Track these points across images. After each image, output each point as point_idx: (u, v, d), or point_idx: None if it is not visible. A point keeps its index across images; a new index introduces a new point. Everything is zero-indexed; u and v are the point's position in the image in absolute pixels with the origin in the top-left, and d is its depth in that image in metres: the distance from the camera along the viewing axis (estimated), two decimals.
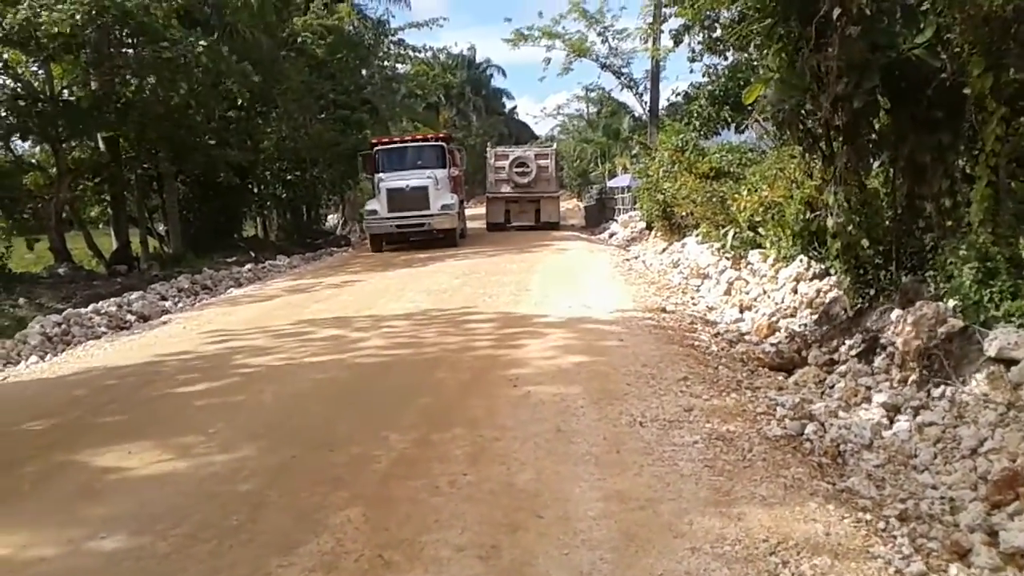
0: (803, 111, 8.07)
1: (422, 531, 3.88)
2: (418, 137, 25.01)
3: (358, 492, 4.42)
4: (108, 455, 5.39)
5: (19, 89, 17.81)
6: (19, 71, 18.31)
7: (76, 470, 5.21)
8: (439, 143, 23.37)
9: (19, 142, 20.28)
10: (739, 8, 9.30)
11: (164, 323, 11.88)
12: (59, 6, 14.79)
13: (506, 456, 4.88)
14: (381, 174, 22.00)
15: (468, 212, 28.59)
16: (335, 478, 4.66)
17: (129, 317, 12.63)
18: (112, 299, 13.49)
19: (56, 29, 14.96)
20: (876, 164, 8.60)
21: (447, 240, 21.42)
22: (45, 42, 15.97)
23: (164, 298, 14.60)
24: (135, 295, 13.96)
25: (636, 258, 17.83)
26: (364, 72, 31.39)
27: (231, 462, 5.09)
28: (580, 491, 4.29)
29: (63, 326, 11.43)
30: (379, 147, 23.11)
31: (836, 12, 6.99)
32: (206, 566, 3.67)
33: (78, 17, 15.21)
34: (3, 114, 17.86)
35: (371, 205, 22.16)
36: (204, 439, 5.59)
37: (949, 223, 7.05)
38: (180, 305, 14.09)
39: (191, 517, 4.22)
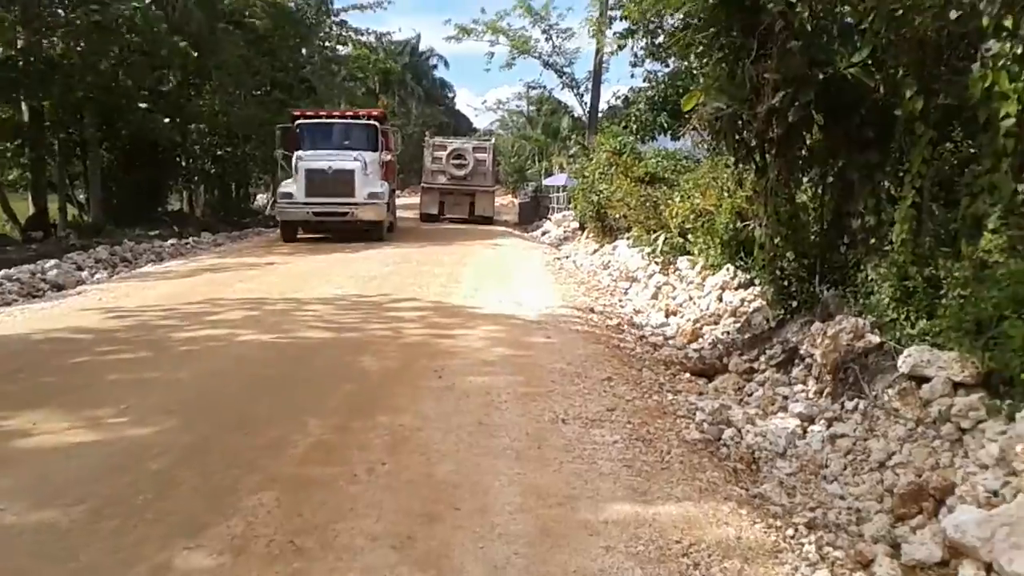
0: (739, 121, 8.19)
1: (336, 518, 3.81)
2: (348, 113, 22.01)
3: (273, 476, 4.33)
4: (13, 424, 5.16)
5: None
6: None
7: None
8: (372, 122, 20.64)
9: None
10: (683, 15, 9.39)
11: (79, 294, 11.47)
12: None
13: (426, 447, 4.83)
14: (301, 152, 19.16)
15: (400, 202, 27.90)
16: (250, 461, 4.55)
17: (43, 285, 12.17)
18: (25, 266, 12.98)
19: None
20: (806, 180, 8.79)
21: (373, 233, 18.83)
22: None
23: (80, 268, 14.08)
24: (50, 263, 13.42)
25: (567, 257, 17.94)
26: (304, 51, 30.85)
27: (142, 438, 4.92)
28: (499, 485, 4.28)
29: None
30: (302, 121, 20.45)
31: (779, 25, 7.13)
32: (109, 544, 3.54)
33: None
34: None
35: (285, 187, 19.03)
36: (115, 413, 5.40)
37: (872, 241, 7.24)
38: (97, 276, 13.61)
39: (97, 493, 4.07)
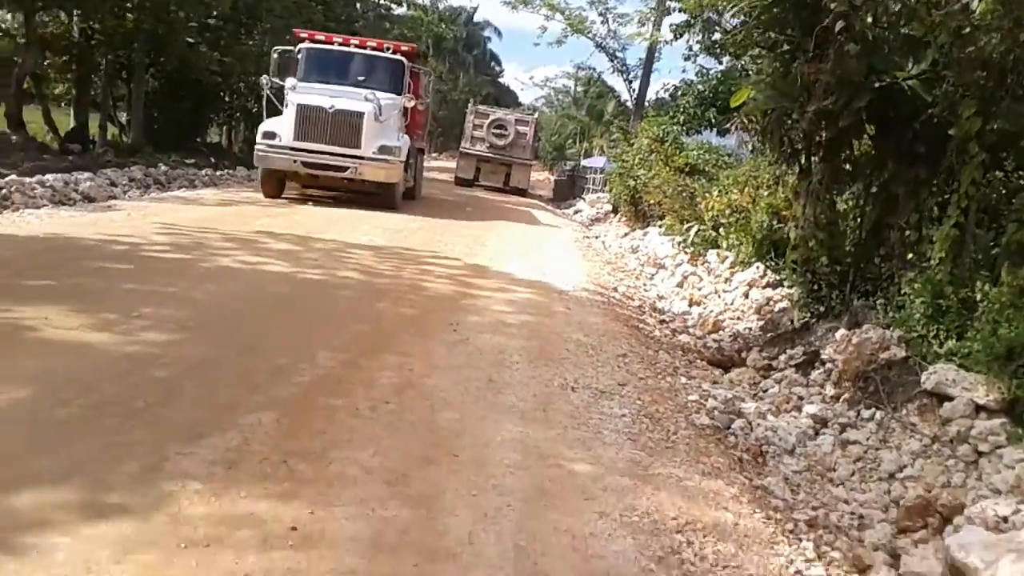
0: (787, 120, 8.03)
1: (333, 447, 3.76)
2: (368, 43, 16.69)
3: (275, 399, 4.28)
4: (25, 318, 5.14)
5: None
6: None
7: None
8: (398, 57, 16.06)
9: None
10: (743, 12, 9.19)
11: (109, 207, 11.49)
12: None
13: (432, 394, 4.77)
14: (295, 81, 14.94)
15: (433, 165, 27.12)
16: (254, 382, 4.50)
17: (74, 195, 12.19)
18: (60, 174, 13.01)
19: None
20: (848, 192, 8.63)
21: (383, 199, 15.03)
22: None
23: (114, 184, 14.10)
24: (85, 175, 13.43)
25: (597, 238, 17.80)
26: (358, 6, 30.72)
27: (150, 346, 4.89)
28: (500, 440, 4.20)
29: (3, 191, 10.97)
30: (307, 44, 16.10)
31: (839, 26, 6.93)
32: (102, 440, 3.50)
33: None
34: None
35: (269, 126, 14.48)
36: (127, 320, 5.36)
37: (910, 256, 7.09)
38: (129, 194, 13.63)
39: (98, 390, 4.03)
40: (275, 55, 16.07)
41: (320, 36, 16.68)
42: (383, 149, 14.45)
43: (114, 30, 19.20)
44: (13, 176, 11.94)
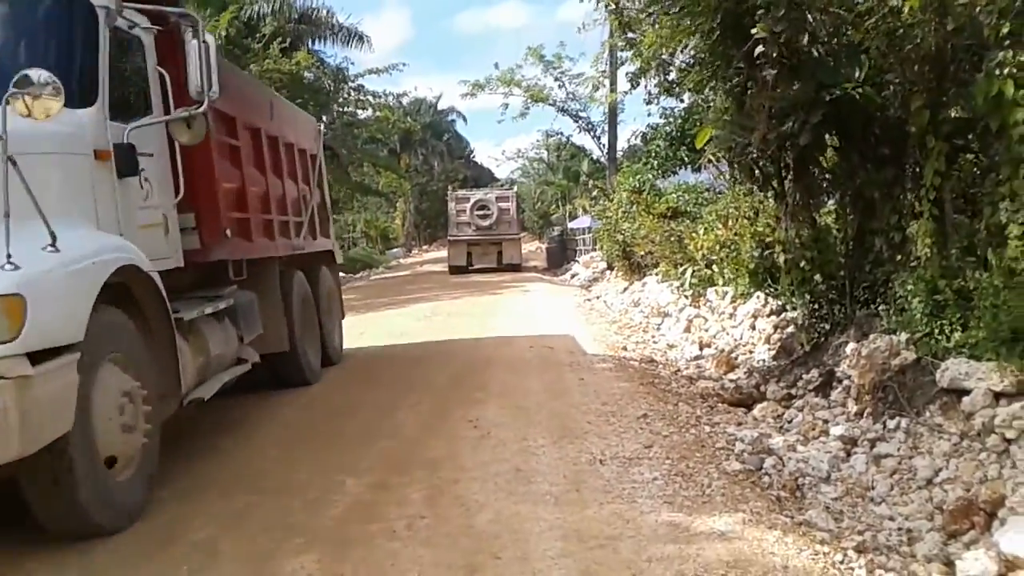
0: (753, 150, 8.21)
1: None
2: None
3: (312, 537, 4.33)
4: None
5: None
6: None
7: None
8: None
9: None
10: (692, 51, 9.46)
11: None
12: None
13: (465, 498, 4.81)
14: None
15: (426, 257, 27.13)
16: (289, 524, 4.55)
17: None
18: None
19: None
20: (831, 201, 8.77)
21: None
22: None
23: None
24: None
25: (597, 298, 17.91)
26: (324, 118, 31.33)
27: (185, 509, 4.96)
28: (539, 531, 4.24)
29: None
30: None
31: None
32: None
33: None
34: None
35: None
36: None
37: (899, 257, 7.19)
38: None
39: (142, 569, 4.10)
40: None
41: None
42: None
43: None
44: None
